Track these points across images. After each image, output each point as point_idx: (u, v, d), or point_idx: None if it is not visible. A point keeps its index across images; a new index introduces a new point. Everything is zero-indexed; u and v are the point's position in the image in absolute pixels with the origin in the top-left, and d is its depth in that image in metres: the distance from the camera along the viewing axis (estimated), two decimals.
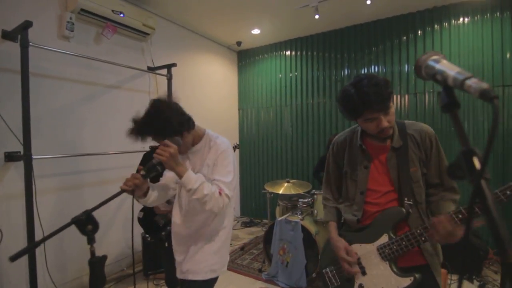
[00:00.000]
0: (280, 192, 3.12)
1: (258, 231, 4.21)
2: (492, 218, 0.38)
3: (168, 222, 2.12)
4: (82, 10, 2.48)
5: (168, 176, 1.44)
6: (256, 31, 4.10)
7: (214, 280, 1.40)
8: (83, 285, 2.62)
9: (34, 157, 2.06)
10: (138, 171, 1.20)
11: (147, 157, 2.29)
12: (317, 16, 3.30)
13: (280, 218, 2.73)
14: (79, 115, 2.65)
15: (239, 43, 4.55)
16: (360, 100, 1.09)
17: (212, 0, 3.19)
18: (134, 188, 1.17)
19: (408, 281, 1.14)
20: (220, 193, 1.23)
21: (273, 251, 2.75)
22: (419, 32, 3.54)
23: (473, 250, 2.68)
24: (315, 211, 2.82)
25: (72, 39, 2.54)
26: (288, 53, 4.51)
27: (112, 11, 2.69)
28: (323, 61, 4.22)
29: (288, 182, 3.26)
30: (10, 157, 2.16)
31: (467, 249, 0.95)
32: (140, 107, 3.67)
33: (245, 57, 4.95)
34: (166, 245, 2.18)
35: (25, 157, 2.03)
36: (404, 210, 1.17)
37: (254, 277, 2.81)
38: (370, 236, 1.22)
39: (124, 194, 1.18)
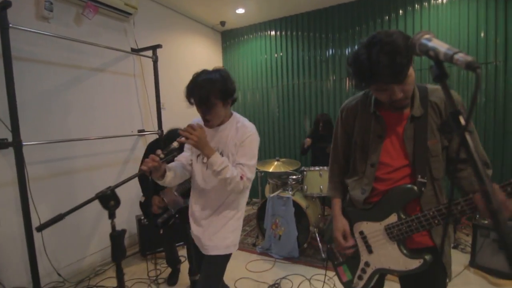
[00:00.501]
0: (271, 170, 3.23)
1: (248, 210, 4.35)
2: (475, 163, 0.47)
3: (165, 210, 2.17)
4: None
5: (183, 156, 1.50)
6: (240, 11, 4.05)
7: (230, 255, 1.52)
8: (80, 269, 2.67)
9: (24, 143, 2.03)
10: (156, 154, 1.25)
11: (157, 145, 2.32)
12: None
13: (272, 195, 2.86)
14: (64, 99, 2.59)
15: (223, 23, 4.48)
16: (369, 69, 0.93)
17: None
18: (152, 170, 1.23)
19: (417, 263, 1.07)
20: (242, 177, 1.31)
21: (266, 226, 2.89)
22: (401, 11, 3.64)
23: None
24: (305, 186, 2.96)
25: (52, 20, 2.44)
26: (273, 33, 4.50)
27: None
28: (308, 41, 4.25)
29: (277, 160, 3.37)
30: None
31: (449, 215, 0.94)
32: (126, 90, 3.63)
33: (229, 38, 4.89)
34: (161, 232, 2.28)
35: (15, 144, 2.00)
36: (416, 188, 1.07)
37: (249, 251, 2.96)
38: (378, 214, 1.14)
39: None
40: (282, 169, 3.24)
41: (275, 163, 3.32)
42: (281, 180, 3.33)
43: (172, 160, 1.47)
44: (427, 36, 0.62)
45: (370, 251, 1.17)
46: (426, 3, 3.51)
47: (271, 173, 3.57)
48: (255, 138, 1.40)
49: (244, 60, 4.79)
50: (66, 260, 2.56)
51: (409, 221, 1.06)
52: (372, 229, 1.15)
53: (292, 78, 4.42)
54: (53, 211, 2.36)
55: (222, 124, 1.43)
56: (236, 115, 1.48)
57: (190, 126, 1.26)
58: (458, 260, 2.57)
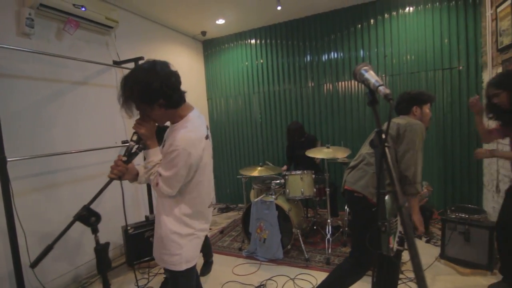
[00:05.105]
0: (254, 174, 3.34)
1: (235, 215, 4.44)
2: (389, 168, 0.60)
3: None
4: (41, 5, 2.40)
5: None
6: (220, 21, 4.17)
7: (191, 269, 1.42)
8: (67, 282, 2.68)
9: (8, 159, 2.05)
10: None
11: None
12: (279, 8, 3.47)
13: (256, 200, 2.97)
14: (47, 114, 2.61)
15: (204, 33, 4.58)
16: None
17: None
18: (120, 175, 1.25)
19: None
20: (157, 185, 1.27)
21: (251, 230, 2.99)
22: (372, 21, 3.87)
23: (421, 211, 3.14)
24: (287, 190, 3.08)
25: (33, 36, 2.46)
26: (253, 41, 4.64)
27: (73, 5, 2.62)
28: (287, 49, 4.42)
29: (261, 166, 3.49)
30: None
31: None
32: (109, 102, 3.67)
33: (210, 47, 4.99)
34: None
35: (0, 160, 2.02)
36: None
37: (235, 255, 3.04)
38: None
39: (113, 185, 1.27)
40: (264, 173, 3.36)
41: (259, 168, 3.44)
42: (264, 185, 3.44)
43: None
44: (365, 67, 0.76)
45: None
46: (394, 13, 3.75)
47: (255, 178, 3.69)
48: (177, 155, 1.22)
49: (226, 67, 4.90)
50: (53, 274, 2.57)
51: None
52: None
53: (273, 84, 4.57)
54: (39, 226, 2.38)
55: (175, 123, 1.34)
56: (187, 119, 1.32)
57: (140, 119, 1.28)
58: (430, 252, 2.76)
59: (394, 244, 1.54)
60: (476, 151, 2.19)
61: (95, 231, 1.14)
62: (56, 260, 2.60)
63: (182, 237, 1.34)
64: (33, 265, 0.98)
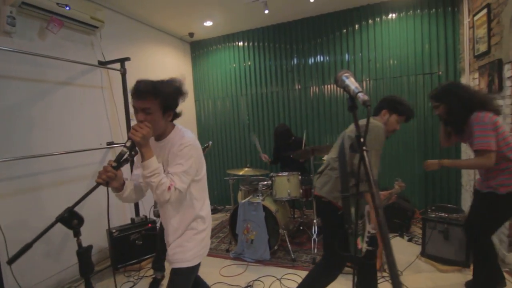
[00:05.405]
0: (241, 173, 3.36)
1: (222, 217, 4.44)
2: (367, 169, 0.64)
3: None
4: (23, 3, 2.34)
5: (137, 174, 1.48)
6: (208, 23, 4.17)
7: (198, 265, 1.50)
8: (50, 287, 2.61)
9: None
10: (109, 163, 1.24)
11: None
12: (266, 11, 3.51)
13: (243, 201, 2.98)
14: (29, 114, 2.54)
15: (191, 35, 4.57)
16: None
17: None
18: (108, 181, 1.22)
19: None
20: (169, 188, 1.27)
21: (238, 231, 3.00)
22: (356, 26, 3.97)
23: (403, 211, 3.25)
24: (274, 191, 3.12)
25: (15, 34, 2.40)
26: (241, 43, 4.67)
27: (57, 4, 2.58)
28: (274, 52, 4.47)
29: (248, 167, 3.51)
30: None
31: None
32: (94, 103, 3.61)
33: (198, 48, 4.98)
34: (158, 224, 2.41)
35: None
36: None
37: (222, 257, 3.05)
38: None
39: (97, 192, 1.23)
40: (252, 173, 3.39)
41: (245, 169, 3.46)
42: (252, 186, 3.47)
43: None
44: (346, 74, 0.80)
45: (369, 222, 1.61)
46: (378, 19, 3.87)
47: (242, 179, 3.71)
48: (191, 149, 1.36)
49: (213, 69, 4.90)
50: (35, 279, 2.50)
51: None
52: (367, 208, 1.62)
53: (260, 86, 4.60)
54: (20, 229, 2.32)
55: (164, 138, 1.42)
56: (178, 128, 1.46)
57: (139, 124, 1.26)
58: (412, 251, 2.85)
59: (363, 245, 1.57)
60: (425, 163, 2.14)
61: (77, 234, 1.11)
62: (39, 264, 2.54)
63: (198, 233, 1.47)
64: (10, 262, 0.96)
